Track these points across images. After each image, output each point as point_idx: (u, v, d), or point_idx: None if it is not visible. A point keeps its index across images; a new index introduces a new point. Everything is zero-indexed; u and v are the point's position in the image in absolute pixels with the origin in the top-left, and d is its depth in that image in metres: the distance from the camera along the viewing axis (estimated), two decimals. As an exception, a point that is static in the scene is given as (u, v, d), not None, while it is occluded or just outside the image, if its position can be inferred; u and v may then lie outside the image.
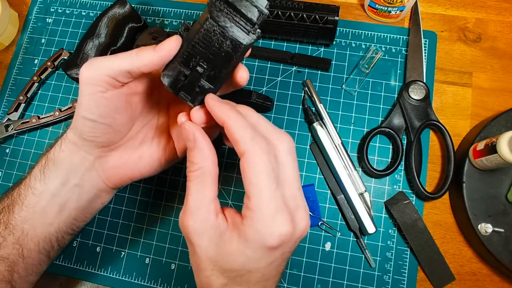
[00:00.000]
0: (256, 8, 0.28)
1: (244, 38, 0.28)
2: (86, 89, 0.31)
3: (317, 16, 0.48)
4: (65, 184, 0.35)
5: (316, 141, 0.50)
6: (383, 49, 0.53)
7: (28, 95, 0.55)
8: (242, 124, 0.27)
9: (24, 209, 0.35)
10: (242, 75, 0.31)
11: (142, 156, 0.37)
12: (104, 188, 0.37)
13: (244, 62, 0.54)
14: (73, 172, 0.35)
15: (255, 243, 0.26)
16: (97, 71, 0.30)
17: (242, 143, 0.27)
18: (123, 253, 0.50)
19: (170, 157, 0.37)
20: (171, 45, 0.29)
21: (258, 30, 0.29)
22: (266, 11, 0.29)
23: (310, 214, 0.48)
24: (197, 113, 0.30)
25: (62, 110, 0.54)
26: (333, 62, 0.53)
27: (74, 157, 0.35)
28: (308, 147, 0.51)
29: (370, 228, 0.45)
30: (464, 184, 0.45)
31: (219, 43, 0.28)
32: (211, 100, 0.29)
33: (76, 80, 0.54)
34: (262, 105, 0.50)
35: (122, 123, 0.35)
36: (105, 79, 0.30)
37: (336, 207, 0.48)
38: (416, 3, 0.53)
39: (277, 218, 0.26)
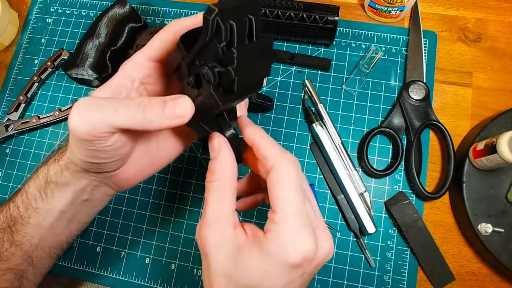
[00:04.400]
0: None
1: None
2: (79, 144, 0.27)
3: (317, 16, 0.48)
4: (73, 202, 0.33)
5: (316, 141, 0.50)
6: (383, 49, 0.53)
7: (28, 95, 0.55)
8: (271, 141, 0.28)
9: (30, 227, 0.33)
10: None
11: (150, 159, 0.34)
12: (114, 193, 0.36)
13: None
14: (82, 191, 0.33)
15: (277, 257, 0.25)
16: (89, 126, 0.25)
17: (272, 158, 0.27)
18: (123, 253, 0.50)
19: (183, 142, 0.35)
20: (186, 113, 0.27)
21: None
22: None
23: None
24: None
25: (62, 110, 0.54)
26: (333, 62, 0.53)
27: (81, 181, 0.32)
28: (308, 147, 0.51)
29: (370, 228, 0.45)
30: (464, 184, 0.45)
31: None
32: (244, 121, 0.30)
33: (77, 80, 0.54)
34: (262, 105, 0.50)
35: (128, 151, 0.31)
36: (104, 135, 0.26)
37: (336, 207, 0.48)
38: (416, 3, 0.53)
39: (303, 234, 0.25)
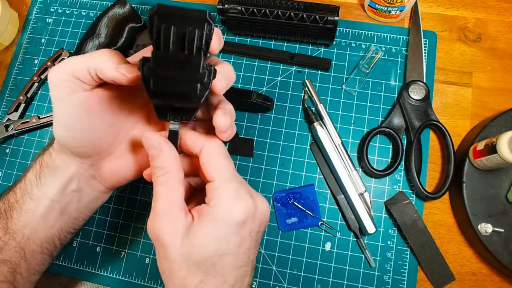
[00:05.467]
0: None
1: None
2: (53, 93, 0.30)
3: (317, 16, 0.48)
4: (63, 190, 0.35)
5: (316, 141, 0.50)
6: (383, 49, 0.53)
7: (28, 95, 0.55)
8: (197, 135, 0.32)
9: (23, 214, 0.34)
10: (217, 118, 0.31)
11: (136, 158, 0.36)
12: (103, 190, 0.37)
13: (244, 62, 0.55)
14: (71, 179, 0.34)
15: (223, 220, 0.28)
16: (60, 71, 0.29)
17: (201, 141, 0.31)
18: (123, 253, 0.50)
19: None
20: (131, 78, 0.29)
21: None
22: None
23: (310, 214, 0.48)
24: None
25: (62, 110, 0.54)
26: (333, 62, 0.53)
27: (69, 166, 0.34)
28: (308, 147, 0.51)
29: (370, 228, 0.45)
30: (464, 184, 0.45)
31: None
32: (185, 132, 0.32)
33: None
34: (262, 105, 0.50)
35: (104, 129, 0.33)
36: (69, 79, 0.29)
37: (336, 207, 0.48)
38: (416, 3, 0.53)
39: (241, 193, 0.29)
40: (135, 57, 0.34)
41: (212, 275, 0.28)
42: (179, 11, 0.25)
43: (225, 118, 0.30)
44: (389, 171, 0.47)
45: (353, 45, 0.54)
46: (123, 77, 0.29)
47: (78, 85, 0.30)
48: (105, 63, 0.29)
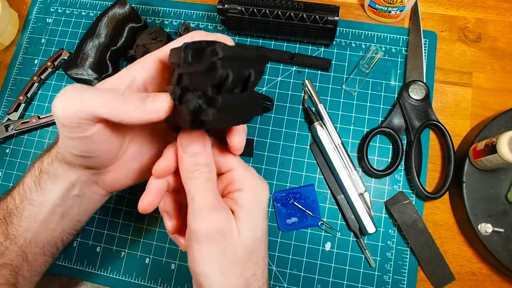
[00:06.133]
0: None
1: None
2: (62, 131, 0.28)
3: (317, 16, 0.48)
4: (65, 195, 0.34)
5: (316, 141, 0.50)
6: (383, 49, 0.53)
7: (28, 95, 0.55)
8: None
9: (24, 220, 0.34)
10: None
11: (139, 163, 0.35)
12: (104, 193, 0.36)
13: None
14: (72, 185, 0.33)
15: (259, 203, 0.30)
16: (70, 110, 0.26)
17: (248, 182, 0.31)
18: (123, 253, 0.50)
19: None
20: (162, 109, 0.27)
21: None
22: None
23: (310, 214, 0.48)
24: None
25: (62, 110, 0.54)
26: (333, 62, 0.53)
27: (71, 174, 0.33)
28: (308, 147, 0.51)
29: (370, 228, 0.45)
30: (464, 184, 0.45)
31: None
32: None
33: (77, 80, 0.54)
34: (262, 105, 0.50)
35: (112, 147, 0.32)
36: (80, 121, 0.26)
37: (336, 207, 0.48)
38: (416, 3, 0.53)
39: (259, 176, 0.31)
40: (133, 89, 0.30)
41: (252, 263, 0.30)
42: (242, 53, 0.25)
43: (241, 138, 0.30)
44: (389, 171, 0.47)
45: (353, 45, 0.54)
46: (154, 116, 0.26)
47: (89, 124, 0.27)
48: (126, 109, 0.26)
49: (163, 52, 0.30)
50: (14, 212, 0.34)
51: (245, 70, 0.25)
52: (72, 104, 0.26)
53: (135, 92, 0.30)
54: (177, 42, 0.29)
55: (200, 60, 0.25)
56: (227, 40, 0.29)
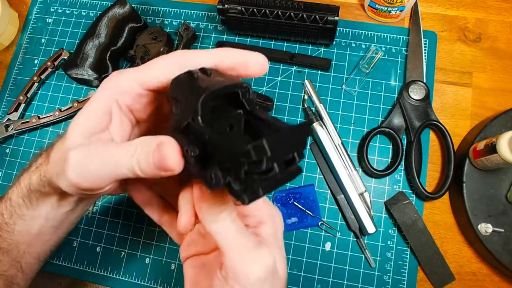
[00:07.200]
0: None
1: None
2: (76, 192, 0.26)
3: (317, 16, 0.48)
4: (57, 210, 0.32)
5: (316, 141, 0.50)
6: (383, 49, 0.53)
7: (28, 95, 0.55)
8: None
9: (16, 234, 0.33)
10: None
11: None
12: (95, 200, 0.36)
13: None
14: (65, 203, 0.32)
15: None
16: (95, 180, 0.24)
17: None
18: (123, 253, 0.50)
19: None
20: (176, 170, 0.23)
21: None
22: None
23: (310, 214, 0.48)
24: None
25: (62, 110, 0.54)
26: (333, 62, 0.53)
27: (63, 196, 0.31)
28: (308, 147, 0.51)
29: (370, 228, 0.45)
30: (464, 184, 0.45)
31: None
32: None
33: (77, 80, 0.54)
34: (262, 105, 0.50)
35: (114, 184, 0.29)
36: (105, 185, 0.25)
37: (336, 207, 0.48)
38: (416, 3, 0.53)
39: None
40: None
41: None
42: (287, 138, 0.20)
43: None
44: (389, 171, 0.47)
45: (353, 45, 0.54)
46: (167, 173, 0.23)
47: (108, 184, 0.26)
48: (140, 164, 0.23)
49: (146, 77, 0.24)
50: (4, 227, 0.33)
51: (288, 154, 0.20)
52: (93, 172, 0.24)
53: (126, 120, 0.27)
54: (158, 66, 0.24)
55: (230, 127, 0.21)
56: (258, 60, 0.25)
